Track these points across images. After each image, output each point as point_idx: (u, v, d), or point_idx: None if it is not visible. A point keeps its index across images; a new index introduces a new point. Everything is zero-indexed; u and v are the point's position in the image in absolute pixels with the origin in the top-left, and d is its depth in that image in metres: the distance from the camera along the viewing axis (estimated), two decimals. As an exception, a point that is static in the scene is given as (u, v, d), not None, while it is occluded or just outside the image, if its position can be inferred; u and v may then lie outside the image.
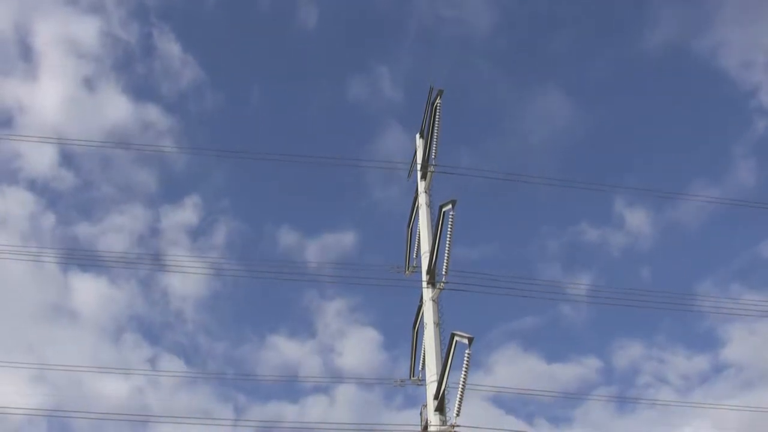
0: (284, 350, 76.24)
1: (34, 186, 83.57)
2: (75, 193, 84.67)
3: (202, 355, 75.71)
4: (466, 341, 29.68)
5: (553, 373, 72.80)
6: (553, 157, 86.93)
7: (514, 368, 72.44)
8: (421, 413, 31.62)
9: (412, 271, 36.70)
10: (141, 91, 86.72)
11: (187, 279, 78.98)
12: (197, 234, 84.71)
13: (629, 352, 75.83)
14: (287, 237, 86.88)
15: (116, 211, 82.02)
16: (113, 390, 69.37)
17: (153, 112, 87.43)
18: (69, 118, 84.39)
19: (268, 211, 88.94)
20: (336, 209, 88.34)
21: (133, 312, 77.91)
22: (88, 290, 78.21)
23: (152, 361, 73.81)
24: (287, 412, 69.15)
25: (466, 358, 29.44)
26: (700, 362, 74.94)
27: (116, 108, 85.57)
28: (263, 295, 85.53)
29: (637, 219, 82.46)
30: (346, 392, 69.82)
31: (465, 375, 29.41)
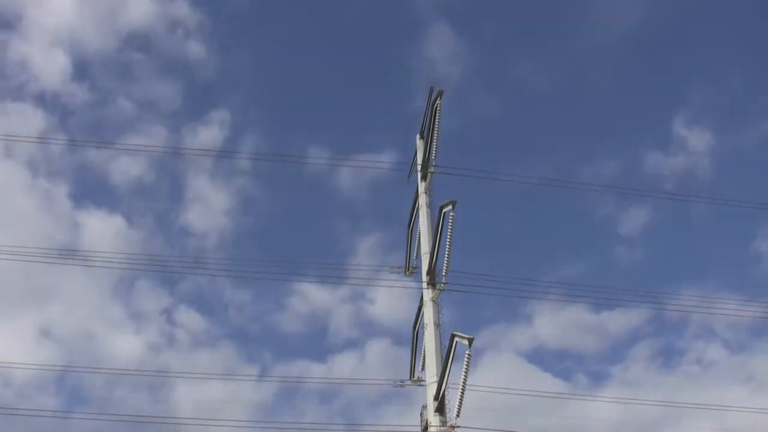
0: (313, 298, 71.86)
1: (42, 101, 76.47)
2: (88, 109, 77.60)
3: (223, 304, 71.28)
4: (466, 342, 29.71)
5: (602, 323, 70.60)
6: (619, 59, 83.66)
7: (557, 320, 70.17)
8: (421, 414, 31.64)
9: (412, 272, 36.69)
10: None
11: (207, 213, 75.78)
12: (221, 157, 78.54)
13: (680, 301, 72.96)
14: (318, 157, 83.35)
15: (134, 131, 75.52)
16: (126, 347, 66.00)
17: (181, 8, 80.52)
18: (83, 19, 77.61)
19: (299, 127, 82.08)
20: (373, 126, 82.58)
21: (149, 253, 73.48)
22: (99, 228, 72.05)
23: (168, 312, 69.92)
24: (313, 371, 65.21)
25: (466, 359, 29.48)
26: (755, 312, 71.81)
27: (138, 5, 79.19)
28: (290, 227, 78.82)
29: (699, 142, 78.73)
30: (377, 348, 66.38)
31: (465, 375, 29.46)
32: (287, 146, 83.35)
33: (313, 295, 71.10)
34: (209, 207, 77.09)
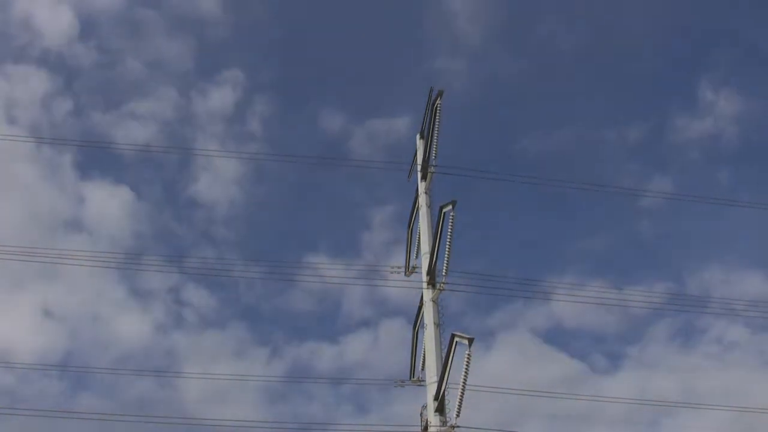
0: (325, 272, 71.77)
1: (46, 62, 73.75)
2: (96, 70, 74.69)
3: (233, 281, 66.41)
4: (466, 342, 29.74)
5: (621, 301, 69.22)
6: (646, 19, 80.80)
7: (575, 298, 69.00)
8: (421, 414, 31.67)
9: (412, 272, 36.68)
10: None
11: (216, 182, 73.34)
12: (233, 120, 75.98)
13: (703, 275, 71.16)
14: (331, 121, 77.68)
15: (143, 93, 73.64)
16: (133, 330, 64.25)
17: None
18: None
19: (312, 87, 79.32)
20: (389, 88, 79.41)
21: (155, 227, 69.64)
22: (104, 201, 70.20)
23: (175, 291, 67.83)
24: (326, 353, 64.66)
25: (466, 359, 29.50)
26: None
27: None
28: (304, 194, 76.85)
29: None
30: (391, 327, 64.05)
31: (465, 375, 29.49)
32: (300, 109, 79.82)
33: (326, 272, 69.26)
34: (219, 176, 74.46)
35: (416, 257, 36.59)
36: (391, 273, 36.19)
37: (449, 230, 32.86)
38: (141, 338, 64.02)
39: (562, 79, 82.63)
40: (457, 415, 29.65)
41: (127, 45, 76.86)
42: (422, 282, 34.35)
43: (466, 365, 29.52)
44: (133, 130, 71.23)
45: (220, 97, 75.80)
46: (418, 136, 39.23)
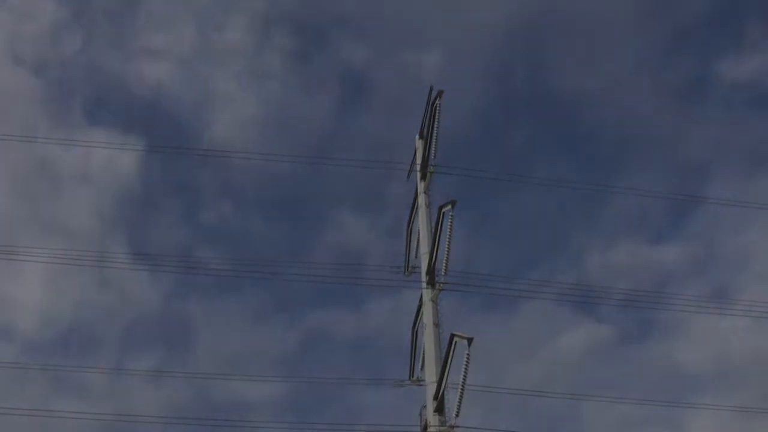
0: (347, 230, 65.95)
1: None
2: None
3: (248, 240, 64.64)
4: (465, 342, 29.72)
5: (654, 259, 65.89)
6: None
7: (606, 259, 66.10)
8: (420, 414, 31.64)
9: (412, 272, 36.69)
10: None
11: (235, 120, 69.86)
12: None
13: (735, 240, 67.54)
14: (357, 53, 74.19)
15: (160, 29, 69.36)
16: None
17: None
18: None
19: (335, 16, 75.58)
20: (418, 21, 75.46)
21: (160, 174, 65.17)
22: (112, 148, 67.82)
23: (185, 248, 61.77)
24: (346, 321, 62.90)
25: (465, 359, 29.49)
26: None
27: None
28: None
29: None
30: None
31: (465, 375, 29.48)
32: (321, 39, 75.89)
33: (350, 226, 65.79)
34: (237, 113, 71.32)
35: (416, 257, 36.63)
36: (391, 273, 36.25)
37: (449, 230, 32.90)
38: (152, 302, 62.02)
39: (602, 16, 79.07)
40: (457, 415, 29.65)
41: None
42: (421, 282, 34.37)
43: (466, 365, 29.51)
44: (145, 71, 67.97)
45: (240, 26, 73.09)
46: (417, 136, 39.24)
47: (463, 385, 29.50)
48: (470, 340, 29.56)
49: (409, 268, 36.83)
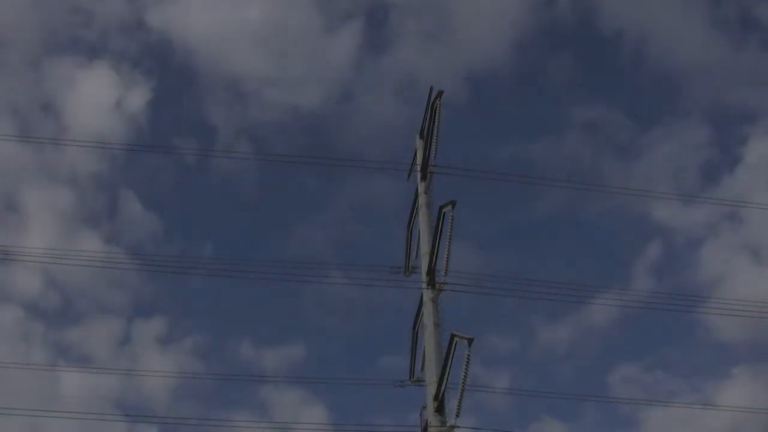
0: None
1: None
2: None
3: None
4: (465, 342, 29.75)
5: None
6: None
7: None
8: (420, 414, 31.68)
9: (412, 272, 36.73)
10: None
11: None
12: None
13: None
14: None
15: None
16: None
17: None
18: None
19: None
20: None
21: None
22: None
23: None
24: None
25: (466, 359, 29.52)
26: None
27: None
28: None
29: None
30: None
31: (465, 375, 29.51)
32: None
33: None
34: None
35: (416, 257, 36.64)
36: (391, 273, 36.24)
37: (449, 230, 32.93)
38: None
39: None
40: (457, 415, 29.68)
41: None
42: (422, 282, 34.39)
43: (466, 365, 29.55)
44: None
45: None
46: (417, 137, 39.24)
47: (463, 386, 29.55)
48: (470, 341, 29.61)
49: (409, 269, 36.86)
